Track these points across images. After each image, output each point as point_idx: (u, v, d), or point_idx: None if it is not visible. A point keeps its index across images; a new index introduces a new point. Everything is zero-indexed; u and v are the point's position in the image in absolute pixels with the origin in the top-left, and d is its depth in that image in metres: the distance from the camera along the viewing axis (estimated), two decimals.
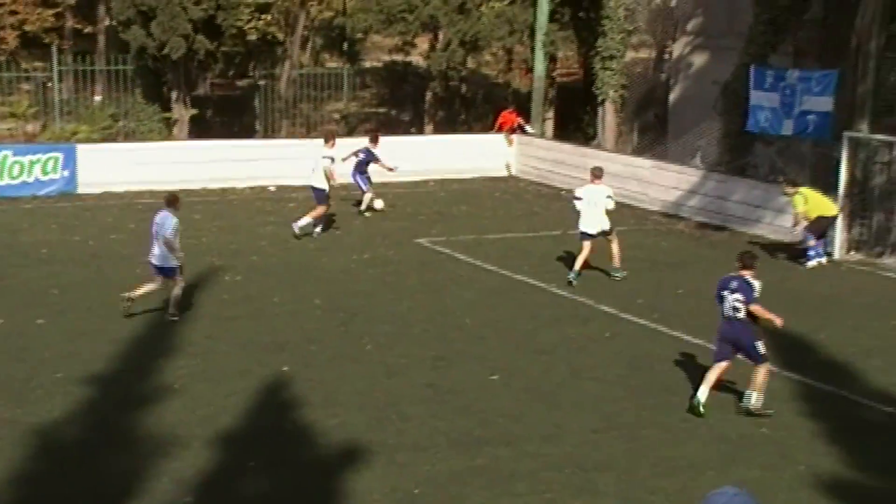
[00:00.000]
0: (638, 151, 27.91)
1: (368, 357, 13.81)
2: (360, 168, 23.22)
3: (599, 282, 17.96)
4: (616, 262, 17.96)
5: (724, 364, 12.08)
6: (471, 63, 34.39)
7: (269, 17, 33.04)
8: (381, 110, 36.61)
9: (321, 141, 21.86)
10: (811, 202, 19.47)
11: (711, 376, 12.04)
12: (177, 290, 15.15)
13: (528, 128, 29.49)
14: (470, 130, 32.07)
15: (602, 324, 15.60)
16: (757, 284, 12.03)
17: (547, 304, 16.59)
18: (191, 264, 16.15)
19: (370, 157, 23.24)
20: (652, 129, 28.85)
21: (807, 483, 10.26)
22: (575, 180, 26.38)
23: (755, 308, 11.90)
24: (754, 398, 11.85)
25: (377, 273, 18.35)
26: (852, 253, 20.32)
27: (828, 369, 13.72)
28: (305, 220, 20.78)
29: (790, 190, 19.71)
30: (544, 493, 9.93)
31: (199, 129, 29.90)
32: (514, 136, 28.98)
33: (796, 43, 23.57)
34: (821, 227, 19.61)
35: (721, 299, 12.08)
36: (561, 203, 25.65)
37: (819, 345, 14.68)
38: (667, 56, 29.35)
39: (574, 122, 31.67)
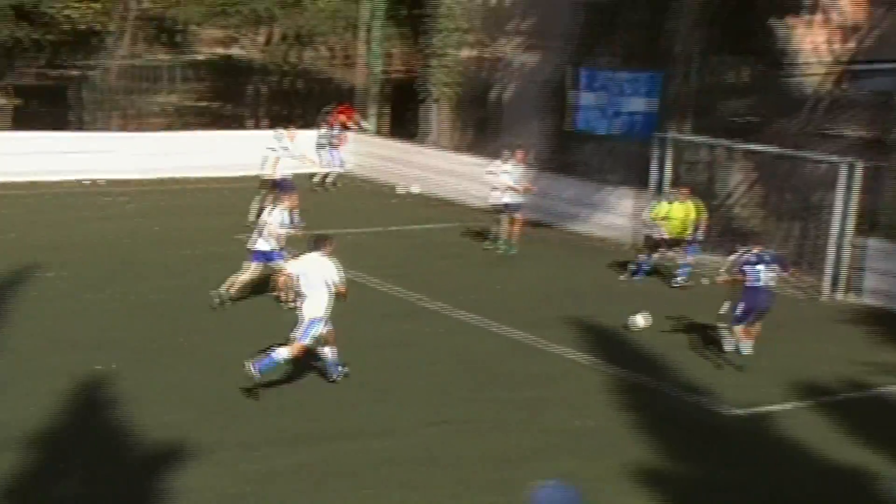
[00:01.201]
0: (469, 149, 28.29)
1: (193, 353, 13.63)
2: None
3: (432, 279, 18.20)
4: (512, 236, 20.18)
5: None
6: (306, 58, 34.15)
7: (97, 6, 32.01)
8: (214, 104, 35.96)
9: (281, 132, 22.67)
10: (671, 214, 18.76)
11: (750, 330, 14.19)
12: None
13: (363, 124, 29.57)
14: (305, 126, 31.84)
15: (434, 320, 15.82)
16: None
17: (379, 301, 16.69)
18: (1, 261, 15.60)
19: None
20: (482, 127, 29.29)
21: (625, 473, 10.68)
22: (407, 178, 26.72)
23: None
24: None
25: (203, 269, 18.01)
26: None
27: (644, 361, 14.28)
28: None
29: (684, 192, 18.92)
30: (364, 490, 10.02)
31: (24, 120, 28.83)
32: (349, 133, 28.99)
33: (620, 44, 24.32)
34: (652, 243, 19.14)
35: (754, 273, 13.95)
36: (394, 199, 25.87)
37: (636, 338, 15.22)
38: (497, 55, 29.82)
39: (408, 119, 31.85)
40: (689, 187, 19.18)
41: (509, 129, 27.66)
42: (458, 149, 28.36)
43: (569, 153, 24.54)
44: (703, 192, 21.26)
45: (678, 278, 18.58)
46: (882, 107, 20.42)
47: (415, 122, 30.81)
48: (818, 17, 24.25)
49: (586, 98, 22.90)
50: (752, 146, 20.76)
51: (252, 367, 11.94)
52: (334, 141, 27.37)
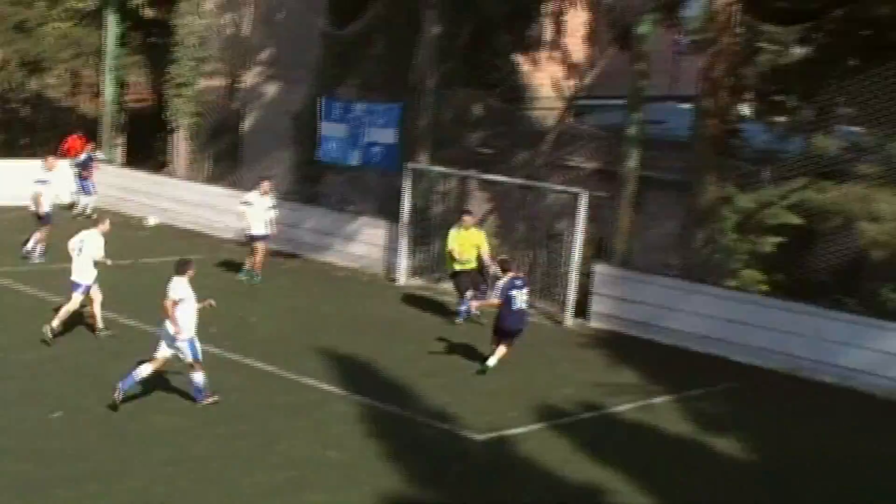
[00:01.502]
0: (212, 180, 27.85)
1: None
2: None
3: None
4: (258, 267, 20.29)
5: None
6: (34, 85, 32.63)
7: None
8: None
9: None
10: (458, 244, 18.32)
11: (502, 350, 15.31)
12: None
13: (97, 154, 28.52)
14: (34, 156, 30.39)
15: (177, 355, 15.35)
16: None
17: (115, 337, 16.10)
18: None
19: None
20: (225, 157, 28.91)
21: (375, 502, 10.70)
22: (148, 207, 25.97)
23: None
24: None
25: None
26: (415, 278, 21.48)
27: (390, 390, 14.41)
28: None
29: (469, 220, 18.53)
30: None
31: None
32: (97, 163, 27.95)
33: (362, 76, 24.60)
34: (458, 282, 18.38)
35: (510, 298, 15.07)
36: (131, 231, 25.05)
37: (383, 367, 15.36)
38: (240, 85, 29.54)
39: (147, 149, 30.99)
40: (472, 215, 18.88)
41: (256, 159, 27.41)
42: (203, 179, 27.86)
43: (315, 184, 24.56)
44: (453, 221, 21.81)
45: (459, 318, 18.23)
46: (608, 140, 21.56)
47: (163, 152, 30.07)
48: (546, 54, 25.51)
49: (330, 129, 23.00)
50: (496, 177, 21.45)
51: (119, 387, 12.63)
52: (83, 172, 26.62)
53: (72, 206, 25.76)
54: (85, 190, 26.50)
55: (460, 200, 22.60)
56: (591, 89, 25.39)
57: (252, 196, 20.68)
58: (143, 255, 22.23)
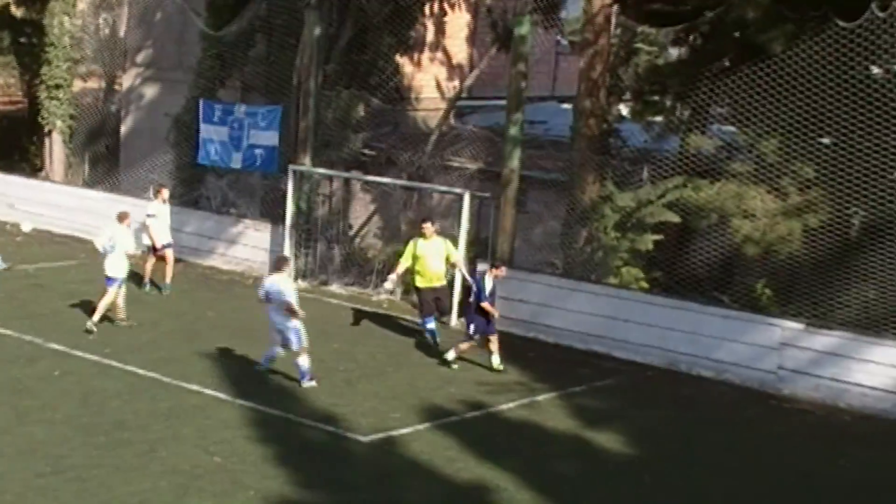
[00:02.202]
0: (89, 183, 27.22)
1: None
2: None
3: (48, 319, 17.31)
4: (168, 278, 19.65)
5: None
6: None
7: None
8: None
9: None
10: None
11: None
12: None
13: None
14: None
15: (50, 362, 15.03)
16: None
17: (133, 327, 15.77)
18: None
19: None
20: (103, 161, 28.27)
21: None
22: (22, 213, 25.23)
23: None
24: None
25: None
26: (300, 281, 21.32)
27: (275, 394, 14.31)
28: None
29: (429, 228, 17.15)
30: None
31: None
32: None
33: (243, 78, 24.36)
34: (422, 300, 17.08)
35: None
36: (5, 238, 24.36)
37: (268, 371, 15.23)
38: (117, 87, 28.94)
39: (19, 153, 30.15)
40: (431, 221, 17.28)
41: (135, 162, 26.87)
42: (81, 183, 27.19)
43: (197, 187, 24.20)
44: (338, 223, 21.78)
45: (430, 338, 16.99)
46: (490, 140, 21.77)
47: (26, 157, 29.29)
48: (428, 55, 25.64)
49: (210, 131, 22.69)
50: (379, 178, 21.45)
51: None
52: None
53: None
54: None
55: (345, 202, 22.56)
56: (473, 90, 25.61)
57: (154, 206, 20.16)
58: (19, 261, 21.65)
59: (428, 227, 16.80)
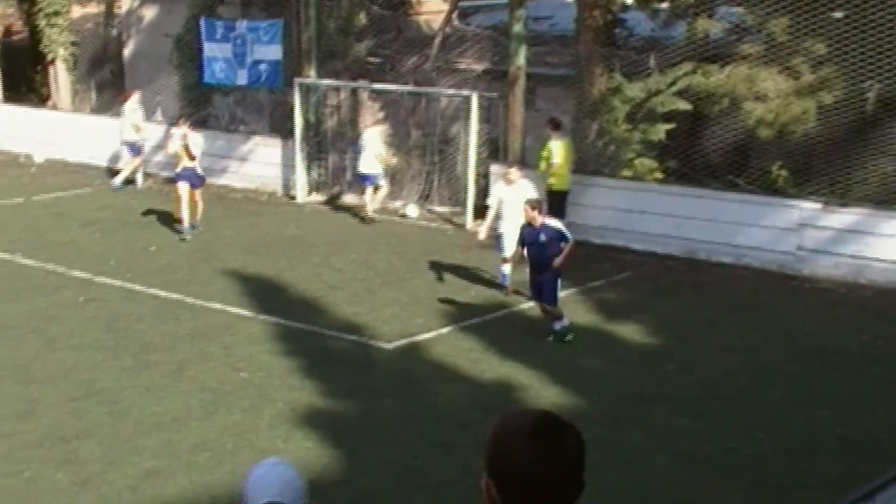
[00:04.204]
0: (97, 110, 27.16)
1: None
2: None
3: (70, 248, 17.42)
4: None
5: None
6: None
7: None
8: None
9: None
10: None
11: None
12: None
13: None
14: None
15: (75, 290, 15.16)
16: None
17: (13, 276, 15.81)
18: None
19: None
20: (109, 87, 28.15)
21: (285, 419, 10.78)
22: (32, 142, 25.27)
23: None
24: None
25: None
26: (313, 194, 21.36)
27: (298, 307, 14.41)
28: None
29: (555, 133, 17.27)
30: (23, 473, 9.58)
31: None
32: None
33: None
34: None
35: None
36: (19, 169, 24.44)
37: (288, 285, 15.35)
38: (116, 10, 28.66)
39: (25, 84, 30.03)
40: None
41: (140, 86, 26.73)
42: (88, 110, 27.13)
43: (204, 106, 24.08)
44: (348, 134, 21.66)
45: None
46: (495, 40, 21.51)
47: (44, 86, 29.13)
48: None
49: (213, 50, 22.48)
50: (385, 86, 21.28)
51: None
52: None
53: None
54: None
55: (353, 112, 22.42)
56: None
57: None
58: (34, 192, 21.75)
59: (513, 173, 14.97)
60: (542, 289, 13.12)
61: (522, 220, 13.21)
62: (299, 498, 4.12)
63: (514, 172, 14.88)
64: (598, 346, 13.13)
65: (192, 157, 17.99)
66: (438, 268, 16.37)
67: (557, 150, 17.19)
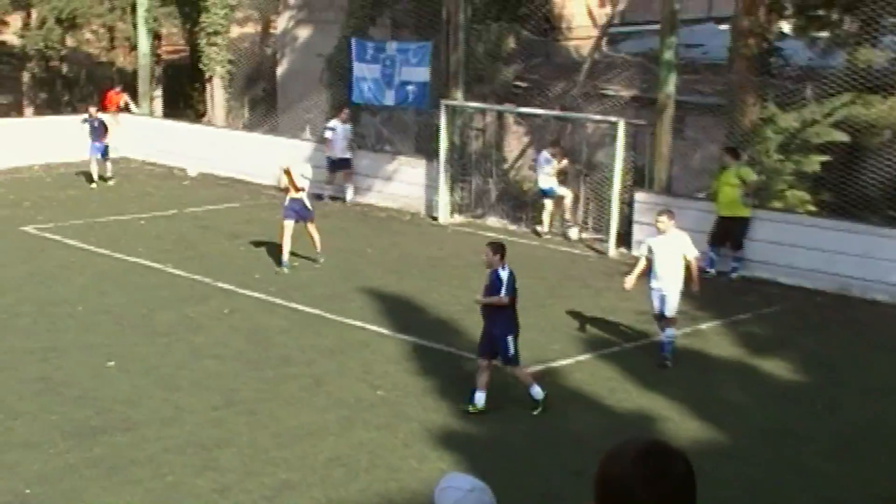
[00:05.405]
0: (249, 127, 27.90)
1: None
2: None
3: (216, 259, 17.85)
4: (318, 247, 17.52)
5: None
6: (71, 41, 32.77)
7: None
8: None
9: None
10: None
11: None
12: None
13: (132, 107, 28.61)
14: (74, 112, 30.66)
15: (220, 301, 15.50)
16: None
17: (163, 286, 16.26)
18: None
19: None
20: (262, 104, 28.90)
21: (419, 438, 10.76)
22: (187, 156, 26.08)
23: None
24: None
25: None
26: (455, 216, 21.42)
27: (435, 328, 14.41)
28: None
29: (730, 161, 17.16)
30: (166, 477, 9.79)
31: None
32: (121, 116, 28.04)
33: (393, 15, 24.40)
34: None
35: None
36: (173, 182, 25.23)
37: (427, 305, 15.38)
38: (272, 30, 29.44)
39: (184, 100, 31.09)
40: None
41: (292, 104, 27.39)
42: (241, 127, 27.88)
43: (352, 125, 24.49)
44: (492, 157, 21.71)
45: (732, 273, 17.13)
46: (644, 67, 21.25)
47: (200, 103, 30.12)
48: None
49: (363, 70, 22.85)
50: (531, 110, 21.22)
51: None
52: (95, 129, 24.05)
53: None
54: (92, 152, 24.09)
55: (498, 135, 22.44)
56: (625, 16, 25.01)
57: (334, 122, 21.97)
58: (186, 204, 22.39)
59: (664, 221, 13.13)
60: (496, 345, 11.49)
61: (676, 276, 12.73)
62: None
63: (665, 221, 13.07)
64: (743, 379, 12.74)
65: (297, 189, 17.08)
66: (579, 294, 16.17)
67: (736, 176, 16.89)
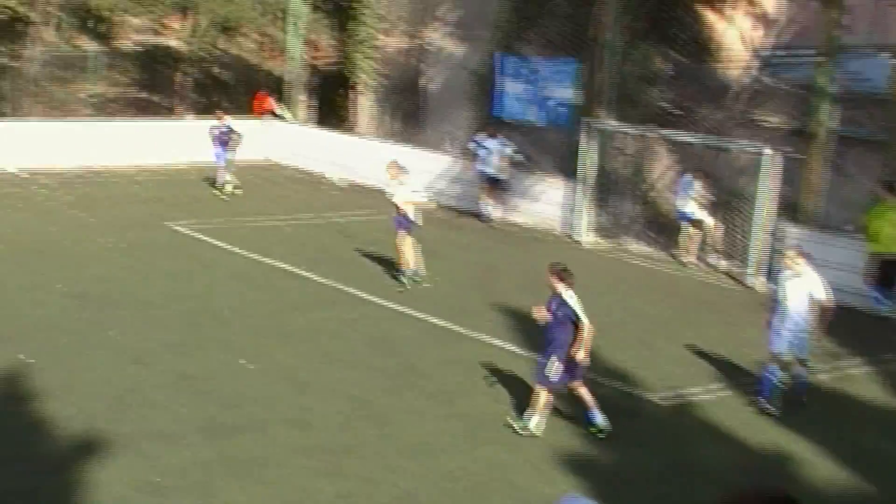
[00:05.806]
0: (394, 137, 28.15)
1: (112, 344, 13.32)
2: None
3: (348, 265, 18.03)
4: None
5: None
6: (229, 46, 33.67)
7: None
8: (139, 93, 35.32)
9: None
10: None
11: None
12: None
13: (279, 111, 29.21)
14: (228, 115, 31.42)
15: (349, 307, 15.65)
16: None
17: (296, 288, 16.52)
18: None
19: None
20: (408, 115, 29.15)
21: (545, 459, 10.62)
22: (333, 165, 26.49)
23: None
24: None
25: (126, 258, 17.78)
26: (594, 236, 21.15)
27: None
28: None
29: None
30: (294, 480, 9.87)
31: None
32: (270, 123, 28.67)
33: (542, 33, 24.31)
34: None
35: None
36: (319, 189, 25.63)
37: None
38: (420, 42, 29.69)
39: (332, 108, 31.58)
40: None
41: (436, 116, 27.55)
42: (385, 136, 28.16)
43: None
44: (631, 180, 21.41)
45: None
46: (800, 97, 20.65)
47: (346, 111, 30.58)
48: (739, 9, 24.55)
49: (510, 86, 22.83)
50: (679, 134, 20.87)
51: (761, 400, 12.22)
52: (222, 136, 23.80)
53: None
54: (218, 160, 23.88)
55: (641, 158, 22.12)
56: (786, 43, 24.33)
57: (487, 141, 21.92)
58: (327, 210, 22.69)
59: (798, 262, 12.42)
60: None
61: (803, 322, 12.21)
62: None
63: (800, 262, 12.38)
64: (890, 426, 12.19)
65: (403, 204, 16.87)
66: (717, 324, 15.78)
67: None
